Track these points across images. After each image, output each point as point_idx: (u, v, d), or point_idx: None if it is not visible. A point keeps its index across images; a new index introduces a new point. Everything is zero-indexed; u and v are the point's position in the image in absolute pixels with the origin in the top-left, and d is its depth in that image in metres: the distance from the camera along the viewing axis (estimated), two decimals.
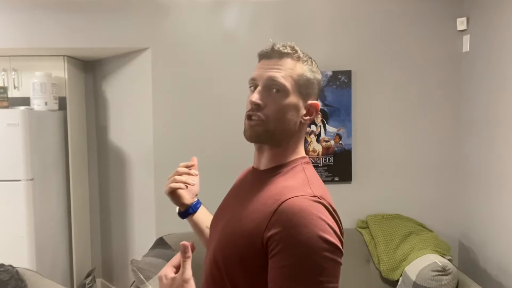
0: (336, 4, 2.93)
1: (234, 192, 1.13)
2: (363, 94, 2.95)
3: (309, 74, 1.00)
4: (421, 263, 2.48)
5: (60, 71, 3.23)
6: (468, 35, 2.84)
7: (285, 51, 0.99)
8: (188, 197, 1.18)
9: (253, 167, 1.08)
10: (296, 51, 1.00)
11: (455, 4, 2.90)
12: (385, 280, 2.71)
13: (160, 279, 0.89)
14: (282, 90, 0.97)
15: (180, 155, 3.00)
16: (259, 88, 0.98)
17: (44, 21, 2.88)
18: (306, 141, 2.94)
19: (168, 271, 0.90)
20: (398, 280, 2.64)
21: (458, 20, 2.87)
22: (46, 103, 3.08)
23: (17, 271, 2.26)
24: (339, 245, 0.86)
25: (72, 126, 3.30)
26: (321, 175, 2.94)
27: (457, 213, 2.99)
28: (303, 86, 0.99)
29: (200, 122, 2.95)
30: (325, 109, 2.94)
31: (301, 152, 1.04)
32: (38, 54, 3.15)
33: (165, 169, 2.99)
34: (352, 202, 2.98)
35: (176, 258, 0.91)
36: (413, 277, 2.45)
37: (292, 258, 0.82)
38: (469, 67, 2.86)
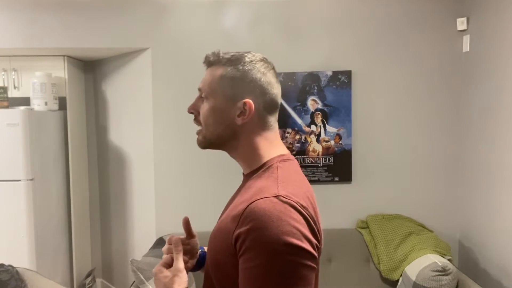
0: (336, 4, 2.93)
1: (231, 197, 1.13)
2: (363, 94, 2.95)
3: (233, 74, 0.98)
4: (421, 263, 2.48)
5: (60, 71, 3.23)
6: (468, 35, 2.84)
7: (211, 59, 1.02)
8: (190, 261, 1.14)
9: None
10: (218, 56, 1.02)
11: (455, 4, 2.90)
12: (385, 280, 2.71)
13: (155, 274, 0.99)
14: (206, 97, 1.02)
15: (180, 155, 3.02)
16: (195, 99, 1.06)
17: (44, 21, 2.88)
18: (306, 141, 2.94)
19: (161, 267, 0.99)
20: (398, 280, 2.64)
21: (458, 20, 2.87)
22: (46, 103, 3.09)
23: (17, 271, 2.25)
24: (305, 246, 0.84)
25: (72, 126, 3.30)
26: (321, 175, 2.94)
27: (457, 213, 2.99)
28: (226, 88, 0.98)
29: None
30: (325, 109, 2.94)
31: (275, 151, 1.01)
32: (38, 54, 3.15)
33: (165, 169, 3.01)
34: (352, 202, 2.99)
35: (167, 258, 1.02)
36: (413, 277, 2.45)
37: (254, 261, 0.83)
38: (469, 67, 2.86)
